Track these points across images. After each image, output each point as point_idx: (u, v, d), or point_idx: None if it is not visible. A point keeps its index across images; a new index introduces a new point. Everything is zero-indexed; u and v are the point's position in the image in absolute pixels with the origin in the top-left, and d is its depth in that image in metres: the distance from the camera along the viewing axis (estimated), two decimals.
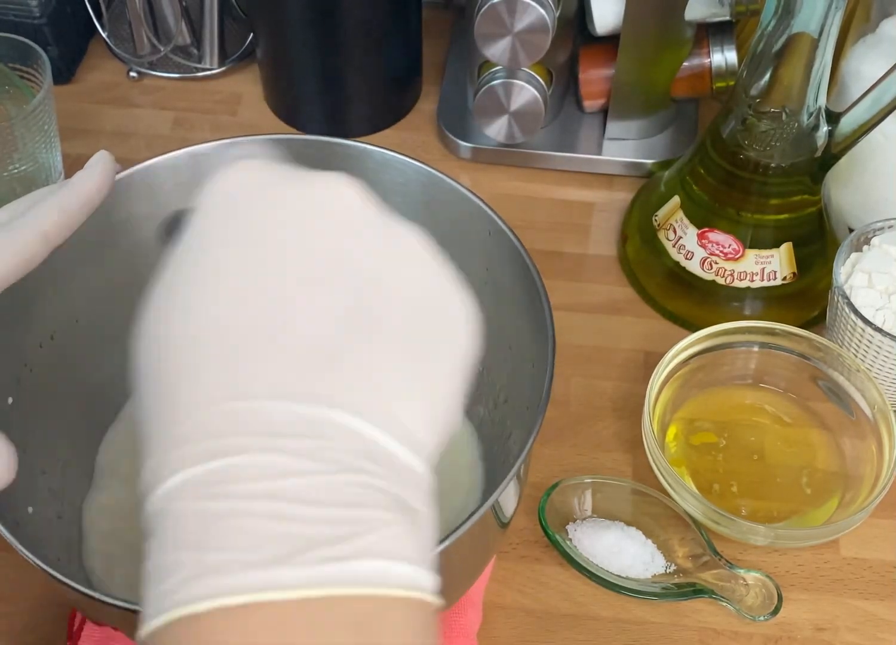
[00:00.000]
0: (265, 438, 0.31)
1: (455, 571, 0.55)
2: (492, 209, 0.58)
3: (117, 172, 0.51)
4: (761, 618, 0.63)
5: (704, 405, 0.71)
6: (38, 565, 0.46)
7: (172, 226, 0.39)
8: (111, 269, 0.62)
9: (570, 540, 0.65)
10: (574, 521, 0.66)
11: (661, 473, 0.65)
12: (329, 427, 0.31)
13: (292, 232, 0.34)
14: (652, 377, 0.67)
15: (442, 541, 0.46)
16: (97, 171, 0.49)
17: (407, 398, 0.33)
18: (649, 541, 0.65)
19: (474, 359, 0.36)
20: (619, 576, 0.64)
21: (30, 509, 0.54)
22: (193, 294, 0.33)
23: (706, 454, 0.69)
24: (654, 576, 0.64)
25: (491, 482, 0.64)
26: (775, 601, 0.63)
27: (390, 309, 0.33)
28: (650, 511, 0.66)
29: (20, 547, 0.47)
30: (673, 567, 0.64)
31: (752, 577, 0.64)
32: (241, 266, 0.33)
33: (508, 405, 0.62)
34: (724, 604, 0.63)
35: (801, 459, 0.69)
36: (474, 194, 0.59)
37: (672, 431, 0.70)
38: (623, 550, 0.64)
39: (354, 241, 0.34)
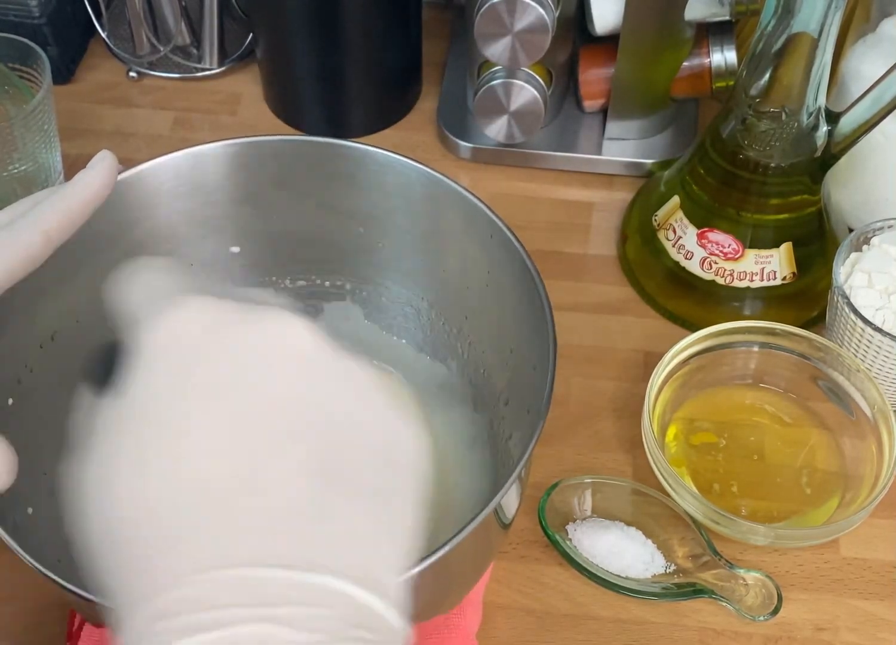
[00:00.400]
0: (258, 608, 0.29)
1: (457, 573, 0.55)
2: (493, 212, 0.58)
3: (119, 172, 0.51)
4: (761, 618, 0.63)
5: (704, 405, 0.71)
6: (36, 568, 0.46)
7: (105, 367, 0.37)
8: (112, 267, 0.62)
9: (570, 540, 0.65)
10: (574, 521, 0.66)
11: (661, 473, 0.65)
12: (321, 593, 0.30)
13: (251, 378, 0.32)
14: (652, 377, 0.67)
15: (444, 544, 0.46)
16: (99, 170, 0.49)
17: (384, 549, 0.32)
18: (649, 541, 0.65)
19: (427, 481, 0.35)
20: (618, 576, 0.64)
21: (29, 510, 0.54)
22: (156, 454, 0.31)
23: (706, 454, 0.69)
24: (654, 576, 0.64)
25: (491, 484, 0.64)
26: (775, 601, 0.63)
27: (354, 455, 0.33)
28: (650, 511, 0.66)
29: (19, 550, 0.47)
30: (673, 567, 0.64)
31: (751, 577, 0.64)
32: (205, 420, 0.32)
33: (509, 407, 0.62)
34: (724, 604, 0.63)
35: (801, 459, 0.69)
36: (476, 197, 0.59)
37: (672, 431, 0.70)
38: (623, 550, 0.64)
39: (311, 384, 0.33)
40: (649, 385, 0.67)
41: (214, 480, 0.31)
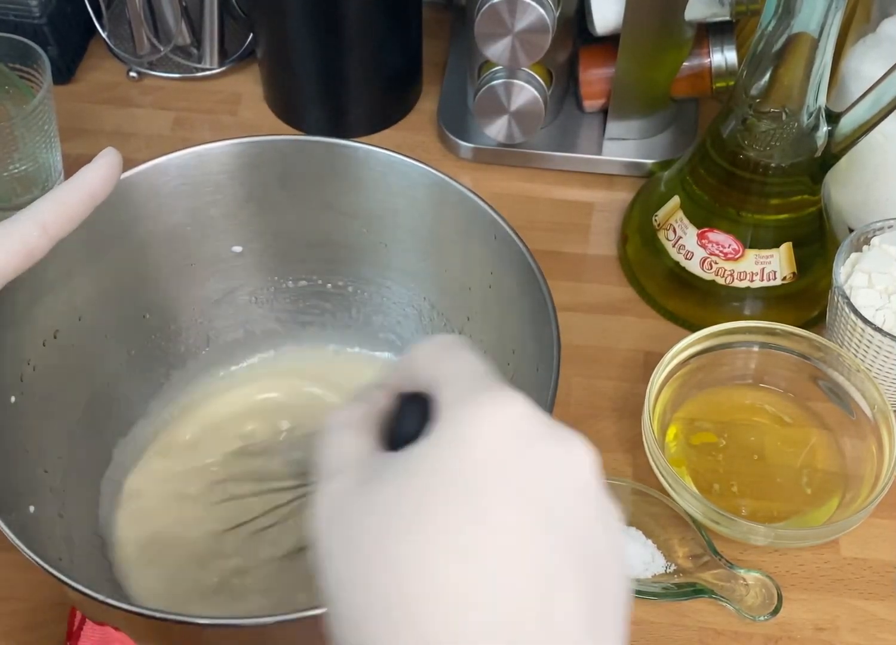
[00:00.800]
0: None
1: None
2: (497, 213, 0.58)
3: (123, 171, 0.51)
4: (761, 618, 0.63)
5: (704, 405, 0.71)
6: (39, 564, 0.46)
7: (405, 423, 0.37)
8: (115, 267, 0.62)
9: None
10: None
11: (661, 473, 0.65)
12: None
13: (556, 502, 0.33)
14: (652, 377, 0.67)
15: None
16: (101, 165, 0.49)
17: None
18: (649, 541, 0.65)
19: None
20: None
21: (31, 508, 0.54)
22: (471, 545, 0.31)
23: (706, 454, 0.69)
24: (655, 576, 0.64)
25: None
26: (775, 601, 0.63)
27: (613, 591, 0.33)
28: (650, 511, 0.66)
29: (22, 546, 0.47)
30: (673, 567, 0.64)
31: (752, 577, 0.64)
32: (516, 526, 0.32)
33: None
34: (725, 604, 0.63)
35: (801, 459, 0.69)
36: (479, 197, 0.59)
37: (672, 431, 0.70)
38: None
39: (593, 519, 0.34)
40: (649, 385, 0.67)
41: (512, 587, 0.31)
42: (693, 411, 0.71)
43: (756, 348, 0.71)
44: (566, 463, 0.34)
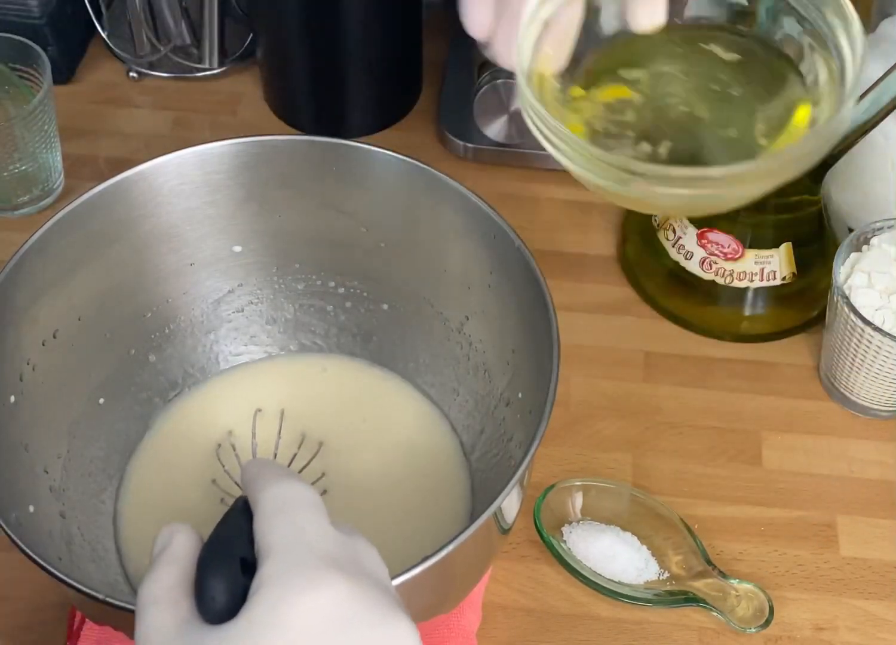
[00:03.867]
0: None
1: (457, 574, 0.55)
2: (497, 213, 0.58)
3: None
4: (752, 630, 0.62)
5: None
6: (39, 564, 0.46)
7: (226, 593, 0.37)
8: (114, 267, 0.62)
9: (566, 542, 0.65)
10: (570, 523, 0.66)
11: (536, 122, 0.44)
12: None
13: None
14: None
15: (445, 545, 0.46)
16: None
17: None
18: (644, 547, 0.65)
19: None
20: (611, 580, 0.64)
21: (31, 508, 0.55)
22: None
23: (618, 113, 0.48)
24: (647, 582, 0.64)
25: (493, 486, 0.63)
26: (766, 614, 0.62)
27: None
28: (646, 517, 0.66)
29: (22, 546, 0.47)
30: (666, 574, 0.64)
31: (744, 588, 0.63)
32: None
33: (510, 408, 0.62)
34: (716, 614, 0.63)
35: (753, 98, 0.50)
36: (479, 197, 0.59)
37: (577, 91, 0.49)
38: (617, 555, 0.64)
39: None
40: None
41: None
42: (601, 62, 0.50)
43: None
44: (388, 629, 0.35)
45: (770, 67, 0.51)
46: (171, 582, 0.37)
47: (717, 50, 0.51)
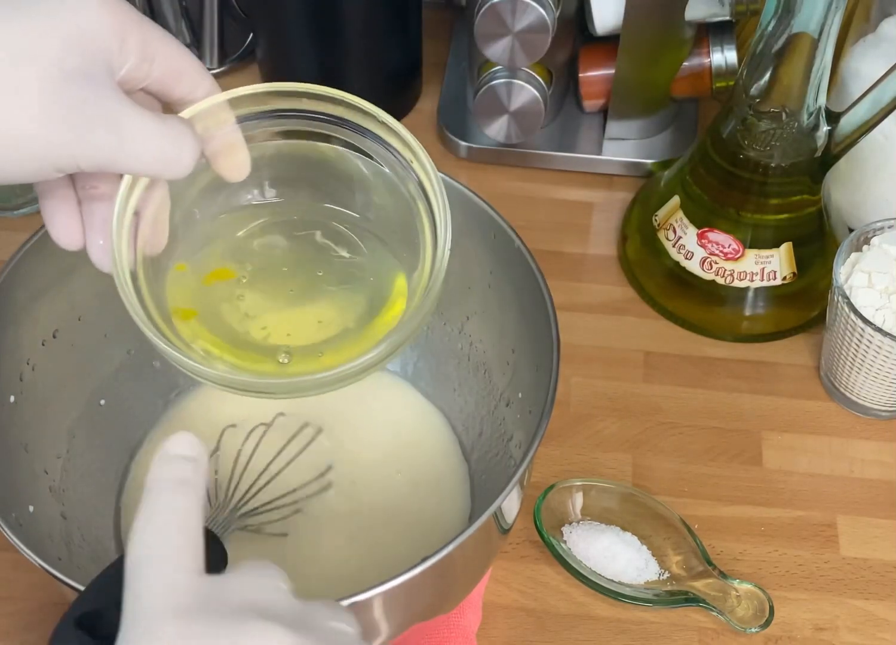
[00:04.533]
0: None
1: (458, 574, 0.55)
2: (497, 213, 0.58)
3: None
4: (752, 630, 0.62)
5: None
6: (39, 565, 0.46)
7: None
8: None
9: (566, 542, 0.65)
10: (570, 523, 0.66)
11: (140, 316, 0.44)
12: None
13: None
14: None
15: (445, 546, 0.46)
16: None
17: None
18: (644, 547, 0.65)
19: None
20: (611, 580, 0.64)
21: (31, 508, 0.54)
22: None
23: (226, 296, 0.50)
24: (647, 582, 0.64)
25: (492, 486, 0.64)
26: (767, 614, 0.62)
27: None
28: (646, 517, 0.66)
29: (21, 546, 0.47)
30: (666, 574, 0.64)
31: (744, 588, 0.63)
32: None
33: (510, 408, 0.62)
34: (716, 614, 0.63)
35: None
36: (479, 196, 0.59)
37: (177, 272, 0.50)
38: (617, 555, 0.64)
39: None
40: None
41: None
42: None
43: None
44: None
45: (377, 244, 0.51)
46: None
47: (318, 232, 0.51)
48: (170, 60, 0.42)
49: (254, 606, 0.35)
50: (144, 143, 0.40)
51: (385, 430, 0.68)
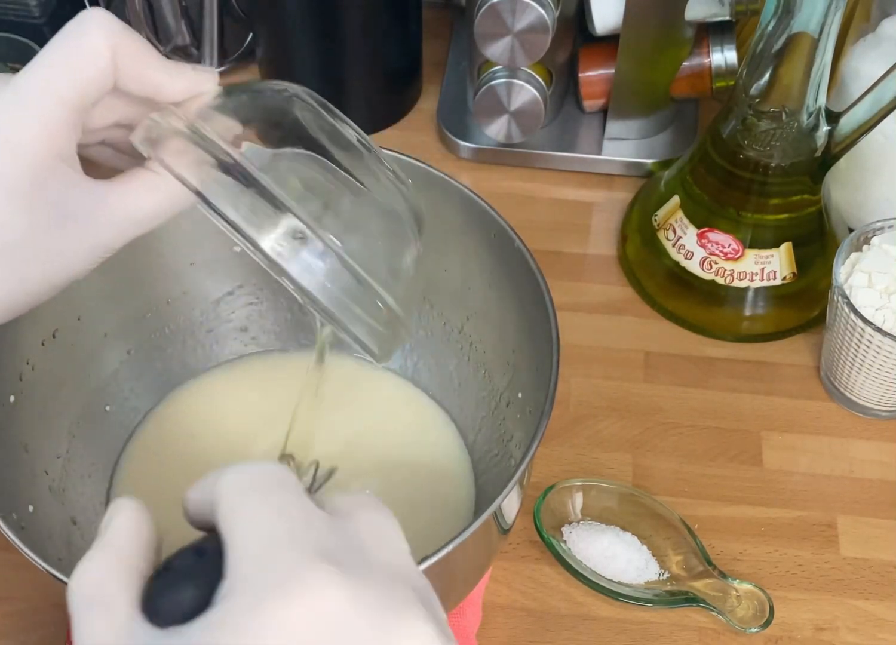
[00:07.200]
0: None
1: (457, 574, 0.55)
2: (497, 213, 0.58)
3: None
4: (752, 630, 0.62)
5: None
6: (39, 565, 0.46)
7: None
8: (114, 267, 0.61)
9: (566, 542, 0.65)
10: (570, 523, 0.66)
11: None
12: None
13: None
14: None
15: (445, 545, 0.46)
16: None
17: None
18: (644, 547, 0.65)
19: None
20: (611, 581, 0.64)
21: (30, 508, 0.54)
22: None
23: None
24: (648, 582, 0.64)
25: (493, 486, 0.64)
26: (767, 614, 0.62)
27: None
28: (646, 517, 0.66)
29: (21, 546, 0.47)
30: (666, 574, 0.64)
31: (744, 588, 0.63)
32: None
33: (510, 408, 0.62)
34: (716, 614, 0.63)
35: None
36: (479, 196, 0.59)
37: None
38: (617, 555, 0.64)
39: None
40: None
41: None
42: None
43: None
44: (402, 632, 0.29)
45: None
46: (104, 574, 0.30)
47: None
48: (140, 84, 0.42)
49: (398, 572, 0.31)
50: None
51: (385, 429, 0.67)
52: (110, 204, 0.41)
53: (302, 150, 0.43)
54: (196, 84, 0.43)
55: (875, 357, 0.67)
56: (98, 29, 0.40)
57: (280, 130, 0.45)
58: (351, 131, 0.46)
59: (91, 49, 0.40)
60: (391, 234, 0.46)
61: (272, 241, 0.39)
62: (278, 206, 0.39)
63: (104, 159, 0.46)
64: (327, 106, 0.46)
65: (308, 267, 0.40)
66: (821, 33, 0.63)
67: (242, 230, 0.39)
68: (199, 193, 0.39)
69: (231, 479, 0.31)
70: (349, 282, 0.41)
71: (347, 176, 0.44)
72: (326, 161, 0.44)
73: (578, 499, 0.67)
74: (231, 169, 0.39)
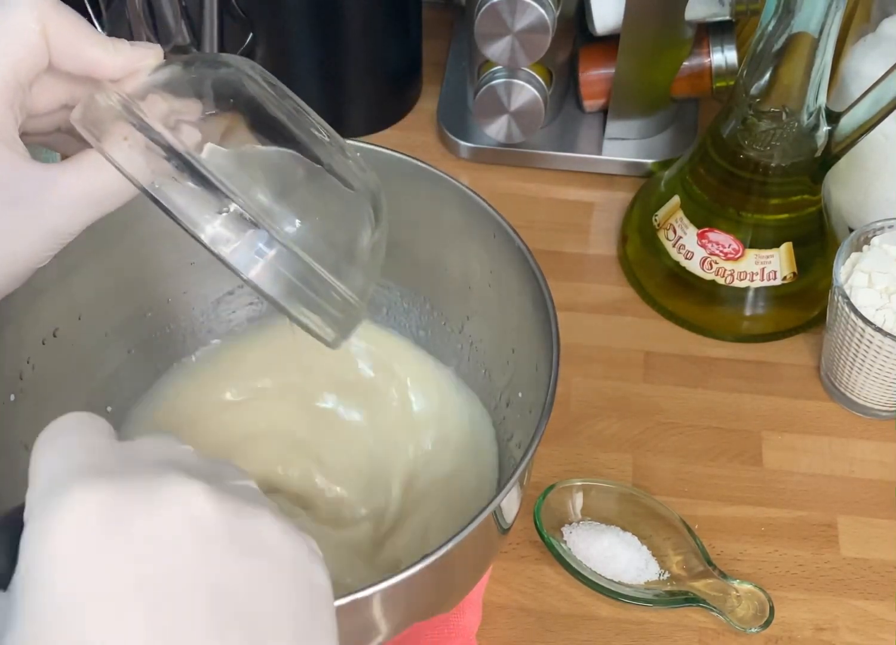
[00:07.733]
0: None
1: (457, 573, 0.55)
2: (497, 212, 0.58)
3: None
4: (752, 630, 0.62)
5: None
6: None
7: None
8: (114, 266, 0.62)
9: (566, 542, 0.65)
10: (570, 523, 0.66)
11: None
12: None
13: (158, 569, 0.30)
14: None
15: (444, 544, 0.46)
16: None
17: None
18: (644, 547, 0.65)
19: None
20: (612, 581, 0.64)
21: None
22: None
23: None
24: (648, 582, 0.64)
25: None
26: (767, 614, 0.62)
27: (275, 624, 0.31)
28: (646, 517, 0.66)
29: None
30: (667, 574, 0.64)
31: (744, 588, 0.63)
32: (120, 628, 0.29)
33: (510, 408, 0.62)
34: (716, 614, 0.63)
35: None
36: (479, 196, 0.59)
37: None
38: (617, 555, 0.64)
39: (219, 567, 0.31)
40: None
41: None
42: None
43: None
44: (165, 521, 0.31)
45: None
46: None
47: None
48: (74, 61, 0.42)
49: (169, 461, 0.34)
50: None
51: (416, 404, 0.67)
52: (60, 186, 0.41)
53: (256, 133, 0.43)
54: (135, 60, 0.43)
55: (875, 357, 0.67)
56: (26, 5, 0.40)
57: (231, 109, 0.44)
58: (296, 106, 0.45)
59: (19, 26, 0.40)
60: (348, 216, 0.46)
61: (215, 228, 0.39)
62: (222, 193, 0.38)
63: (64, 148, 0.46)
64: (277, 85, 0.45)
65: (253, 254, 0.40)
66: (821, 33, 0.63)
67: (177, 218, 0.38)
68: (133, 180, 0.38)
69: (40, 437, 0.34)
70: (299, 267, 0.40)
71: (302, 156, 0.43)
72: (284, 142, 0.43)
73: (578, 499, 0.67)
74: (171, 155, 0.38)
